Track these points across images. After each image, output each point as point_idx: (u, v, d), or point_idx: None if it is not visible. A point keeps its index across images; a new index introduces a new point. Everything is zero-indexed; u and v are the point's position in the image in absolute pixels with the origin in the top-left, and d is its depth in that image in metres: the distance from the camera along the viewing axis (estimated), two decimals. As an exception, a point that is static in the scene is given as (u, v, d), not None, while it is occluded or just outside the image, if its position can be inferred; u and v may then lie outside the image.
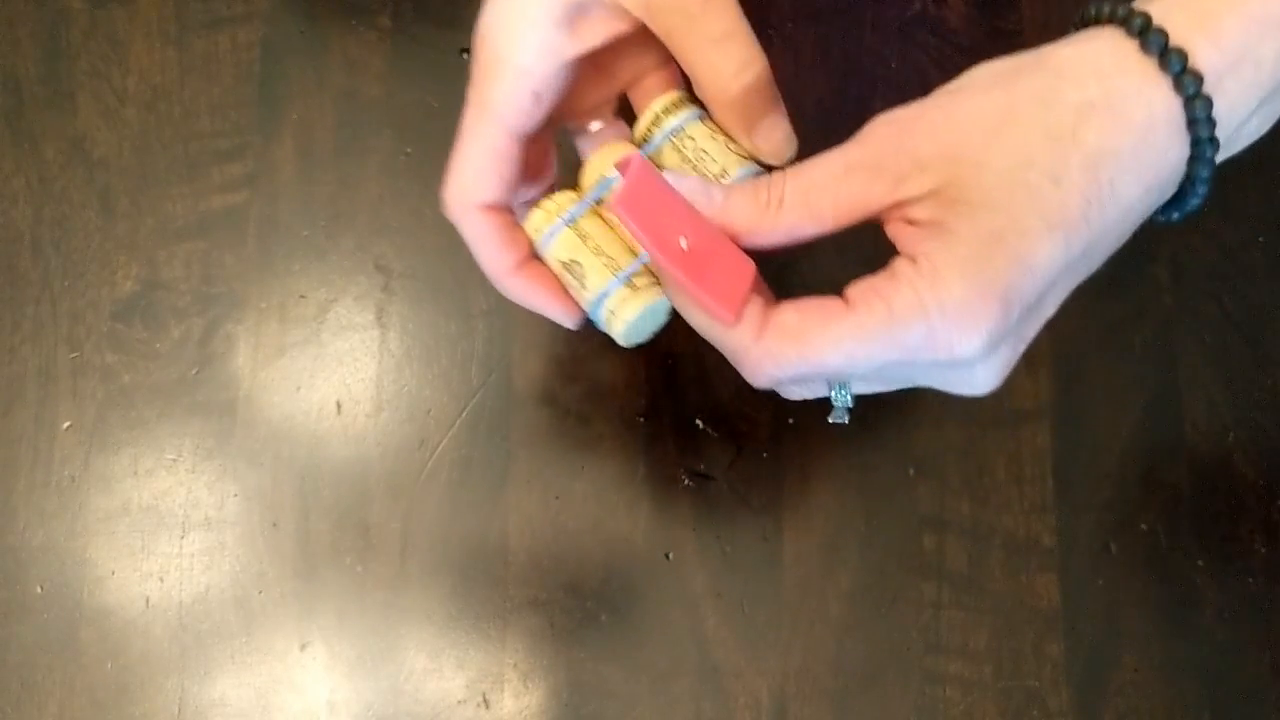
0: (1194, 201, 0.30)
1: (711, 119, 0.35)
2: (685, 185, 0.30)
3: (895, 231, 0.29)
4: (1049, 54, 0.29)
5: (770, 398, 0.45)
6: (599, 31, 0.33)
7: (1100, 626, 0.44)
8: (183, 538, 0.44)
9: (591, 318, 0.35)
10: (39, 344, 0.45)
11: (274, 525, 0.44)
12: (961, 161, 0.27)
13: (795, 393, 0.33)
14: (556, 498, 0.44)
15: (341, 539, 0.43)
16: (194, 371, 0.45)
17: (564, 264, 0.35)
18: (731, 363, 0.30)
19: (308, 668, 0.42)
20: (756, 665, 0.43)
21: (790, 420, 0.45)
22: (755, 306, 0.29)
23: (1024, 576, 0.44)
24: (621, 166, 0.30)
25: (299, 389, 0.45)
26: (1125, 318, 0.46)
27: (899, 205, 0.28)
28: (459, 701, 0.42)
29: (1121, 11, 0.28)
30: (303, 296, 0.46)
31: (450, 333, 0.45)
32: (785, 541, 0.44)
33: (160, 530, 0.44)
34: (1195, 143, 0.28)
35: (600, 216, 0.35)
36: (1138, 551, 0.45)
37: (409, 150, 0.47)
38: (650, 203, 0.29)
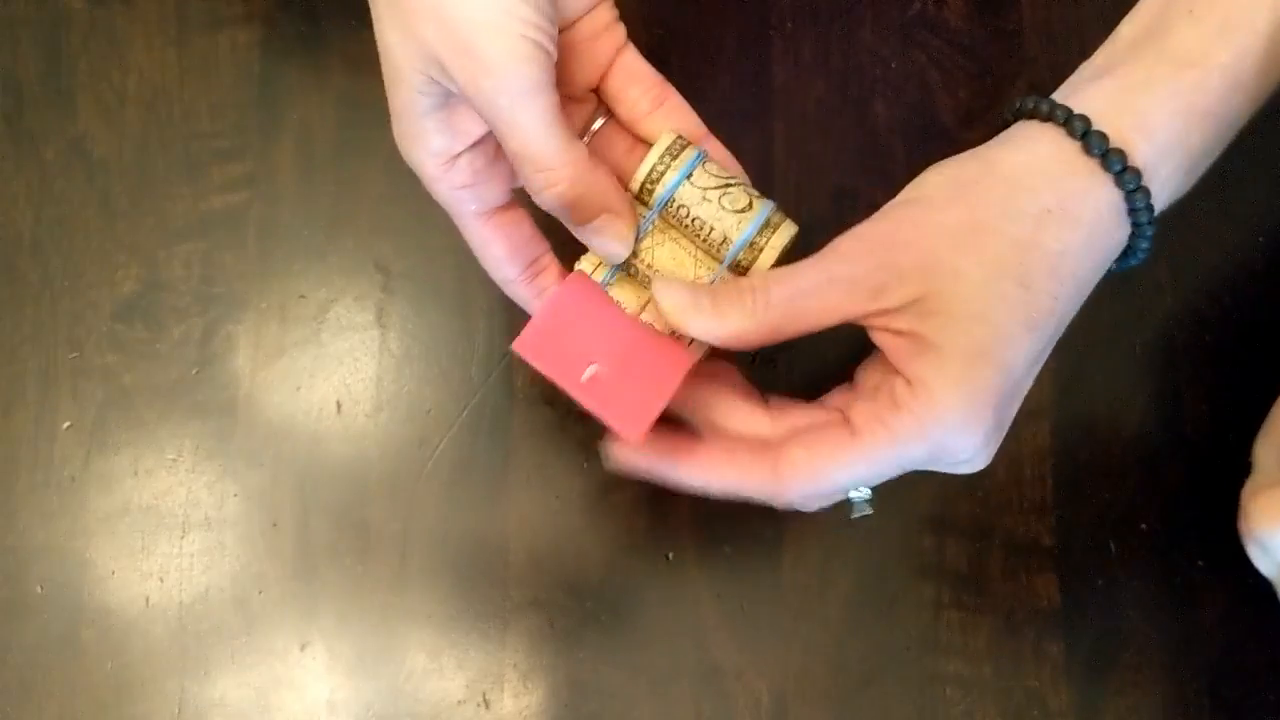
0: (1136, 259, 0.33)
1: (704, 164, 0.33)
2: (671, 298, 0.31)
3: (880, 339, 0.31)
4: (997, 160, 0.32)
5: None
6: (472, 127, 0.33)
7: (1100, 626, 0.44)
8: (183, 538, 0.44)
9: None
10: (39, 344, 0.45)
11: (274, 525, 0.44)
12: (938, 273, 0.29)
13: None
14: (556, 498, 0.44)
15: (341, 539, 0.43)
16: (194, 371, 0.45)
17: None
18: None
19: (308, 668, 0.42)
20: (756, 665, 0.43)
21: (790, 420, 0.45)
22: (758, 459, 0.31)
23: (1024, 576, 0.44)
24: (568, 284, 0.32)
25: (299, 389, 0.45)
26: (1126, 318, 0.46)
27: (880, 314, 0.30)
28: (459, 701, 0.42)
29: (1062, 114, 0.31)
30: (303, 296, 0.46)
31: (450, 333, 0.45)
32: (785, 542, 0.44)
33: (160, 530, 0.44)
34: (1135, 225, 0.31)
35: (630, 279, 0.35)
36: (1138, 551, 0.45)
37: (409, 150, 0.47)
38: (568, 329, 0.31)
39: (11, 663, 0.42)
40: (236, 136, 0.47)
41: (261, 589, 0.43)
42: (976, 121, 0.49)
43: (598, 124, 0.37)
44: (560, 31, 0.33)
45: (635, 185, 0.34)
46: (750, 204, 0.33)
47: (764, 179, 0.47)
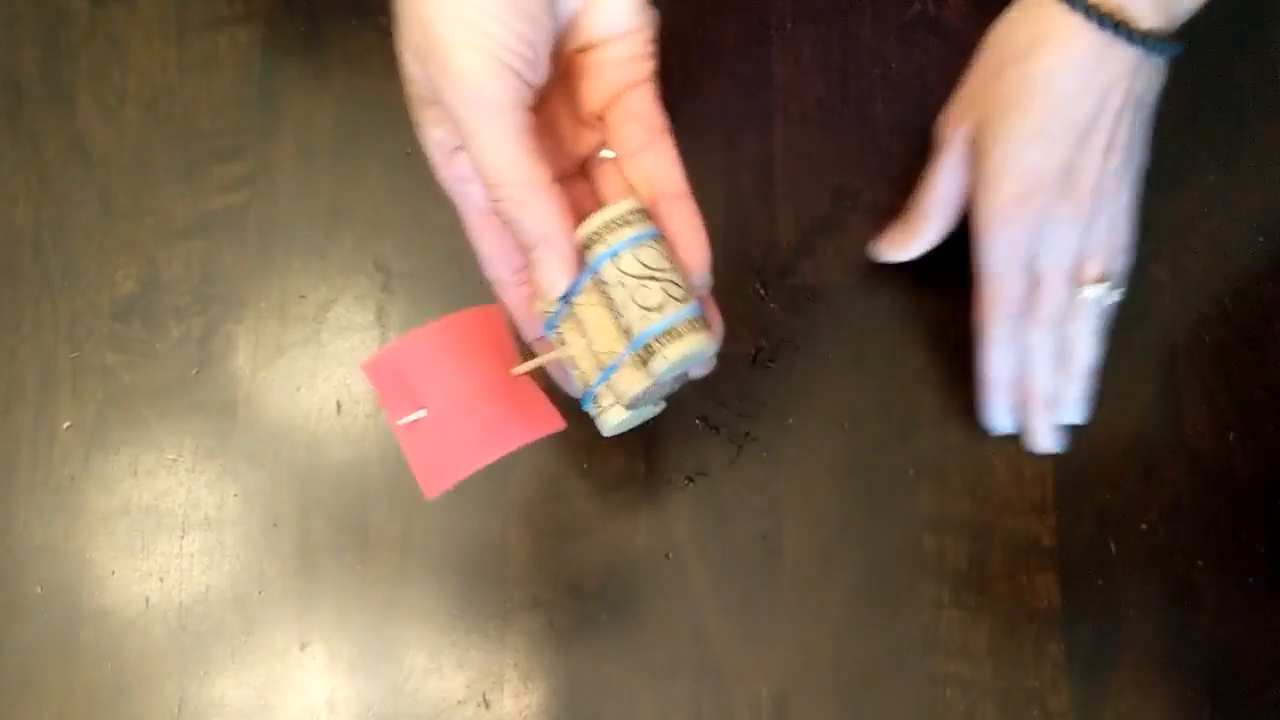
0: (1169, 52, 0.40)
1: (638, 248, 0.32)
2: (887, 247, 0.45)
3: None
4: (1005, 19, 0.41)
5: (770, 398, 0.45)
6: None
7: (1100, 626, 0.44)
8: (183, 538, 0.44)
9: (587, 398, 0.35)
10: (39, 344, 0.45)
11: (274, 525, 0.44)
12: (975, 118, 0.42)
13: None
14: (556, 498, 0.44)
15: (341, 538, 0.43)
16: (194, 371, 0.45)
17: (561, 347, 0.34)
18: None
19: (308, 667, 0.42)
20: (756, 665, 0.43)
21: (790, 420, 0.45)
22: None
23: (1024, 576, 0.44)
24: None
25: (299, 389, 0.45)
26: (1126, 317, 0.46)
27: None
28: (459, 701, 0.42)
29: None
30: (303, 296, 0.46)
31: (450, 333, 0.45)
32: (785, 541, 0.44)
33: (160, 530, 0.44)
34: (1133, 41, 0.39)
35: (577, 315, 0.34)
36: (1138, 551, 0.45)
37: (409, 149, 0.47)
38: (424, 364, 0.30)
39: (11, 663, 0.42)
40: (236, 136, 0.47)
41: (261, 589, 0.43)
42: (976, 121, 0.49)
43: (608, 154, 0.36)
44: (583, 50, 0.33)
45: (578, 240, 0.33)
46: (662, 305, 0.32)
47: (764, 179, 0.47)
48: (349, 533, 0.43)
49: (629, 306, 0.32)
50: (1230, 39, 0.46)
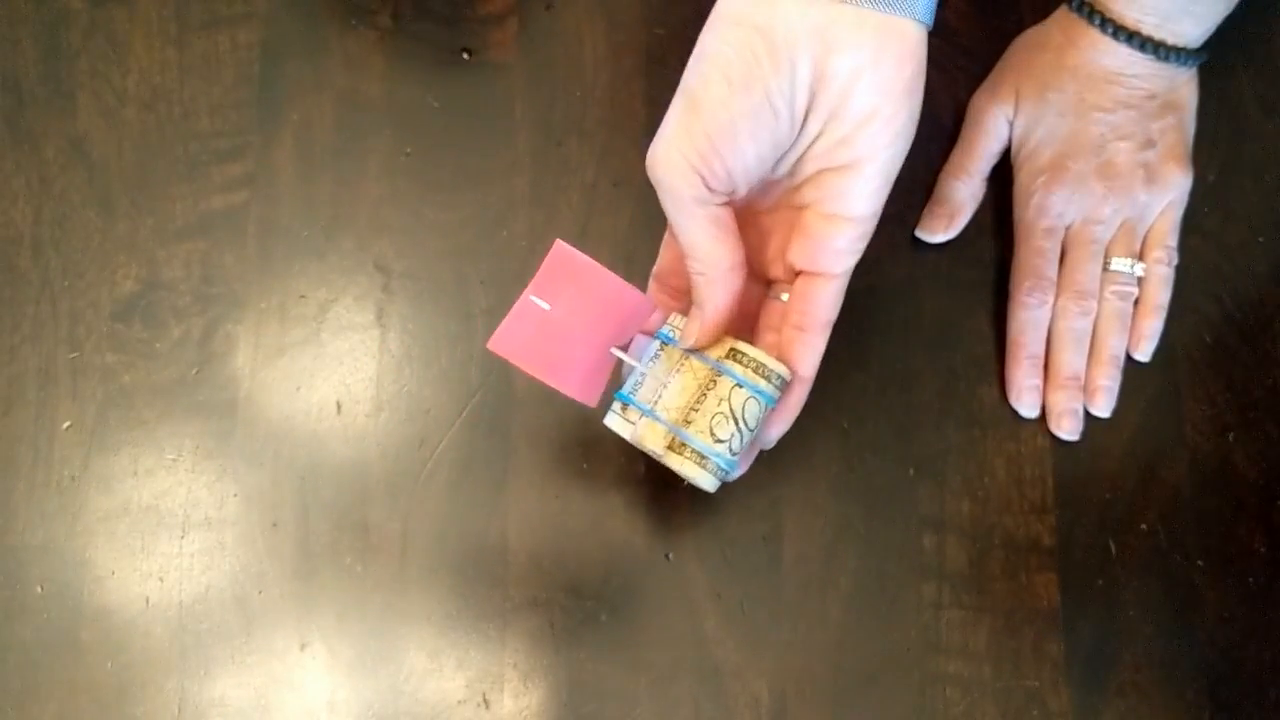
0: (1192, 60, 0.46)
1: (754, 403, 0.36)
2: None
3: None
4: (1059, 38, 0.47)
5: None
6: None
7: (1100, 626, 0.44)
8: (183, 538, 0.44)
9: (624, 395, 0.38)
10: (39, 344, 0.45)
11: (274, 525, 0.44)
12: (1015, 94, 0.48)
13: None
14: (556, 498, 0.44)
15: (341, 539, 0.43)
16: (194, 371, 0.45)
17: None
18: None
19: (308, 668, 0.42)
20: (756, 665, 0.43)
21: (790, 420, 0.45)
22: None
23: (1024, 576, 0.44)
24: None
25: (299, 389, 0.45)
26: (1125, 318, 0.46)
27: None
28: (459, 701, 0.42)
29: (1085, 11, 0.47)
30: (303, 296, 0.46)
31: (450, 333, 0.45)
32: (785, 542, 0.44)
33: (160, 530, 0.44)
34: (1145, 48, 0.45)
35: (683, 372, 0.37)
36: (1138, 551, 0.45)
37: (409, 150, 0.47)
38: (588, 284, 0.36)
39: (11, 663, 0.42)
40: (236, 136, 0.47)
41: (261, 589, 0.43)
42: (976, 121, 0.49)
43: (784, 298, 0.39)
44: (818, 211, 0.36)
45: (729, 341, 0.37)
46: (719, 443, 0.36)
47: (764, 179, 0.47)
48: (349, 533, 0.43)
49: (705, 416, 0.36)
50: (1230, 40, 0.46)
